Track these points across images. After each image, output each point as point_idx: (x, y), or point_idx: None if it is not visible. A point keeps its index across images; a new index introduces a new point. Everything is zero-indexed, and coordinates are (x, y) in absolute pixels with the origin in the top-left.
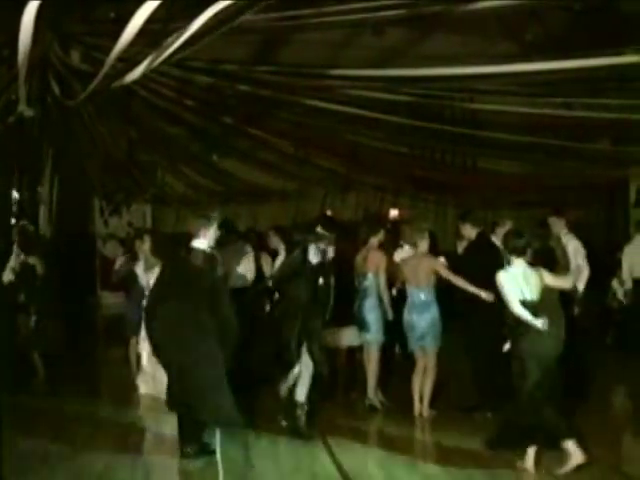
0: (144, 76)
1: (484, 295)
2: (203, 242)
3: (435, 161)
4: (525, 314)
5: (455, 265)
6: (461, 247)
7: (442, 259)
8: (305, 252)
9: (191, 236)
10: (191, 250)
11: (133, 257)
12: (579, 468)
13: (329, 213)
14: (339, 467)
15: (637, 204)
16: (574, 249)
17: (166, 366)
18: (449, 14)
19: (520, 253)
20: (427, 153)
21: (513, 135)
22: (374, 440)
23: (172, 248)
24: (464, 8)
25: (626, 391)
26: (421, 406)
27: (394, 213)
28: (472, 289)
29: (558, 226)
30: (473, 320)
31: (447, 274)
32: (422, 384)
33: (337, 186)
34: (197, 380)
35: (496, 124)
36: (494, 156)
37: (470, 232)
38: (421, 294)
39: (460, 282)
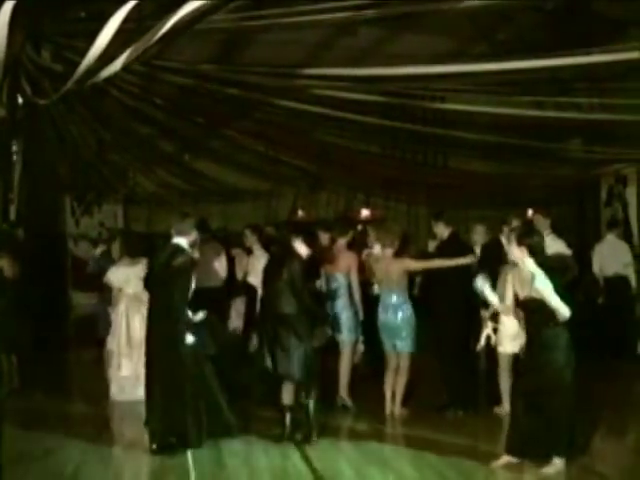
0: (116, 75)
1: (463, 260)
2: (184, 241)
3: (407, 161)
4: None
5: None
6: (433, 246)
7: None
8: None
9: (164, 236)
10: (172, 248)
11: (108, 256)
12: None
13: (300, 213)
14: (311, 466)
15: (608, 203)
16: (558, 250)
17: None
18: (421, 14)
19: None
20: (399, 153)
21: (485, 135)
22: (346, 439)
23: (149, 248)
24: (437, 8)
25: (601, 390)
26: (393, 405)
27: (365, 213)
28: (450, 263)
29: (543, 226)
30: (442, 320)
31: (418, 266)
32: (395, 383)
33: (308, 186)
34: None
35: (468, 123)
36: (466, 156)
37: (443, 231)
38: (393, 296)
39: (435, 263)
